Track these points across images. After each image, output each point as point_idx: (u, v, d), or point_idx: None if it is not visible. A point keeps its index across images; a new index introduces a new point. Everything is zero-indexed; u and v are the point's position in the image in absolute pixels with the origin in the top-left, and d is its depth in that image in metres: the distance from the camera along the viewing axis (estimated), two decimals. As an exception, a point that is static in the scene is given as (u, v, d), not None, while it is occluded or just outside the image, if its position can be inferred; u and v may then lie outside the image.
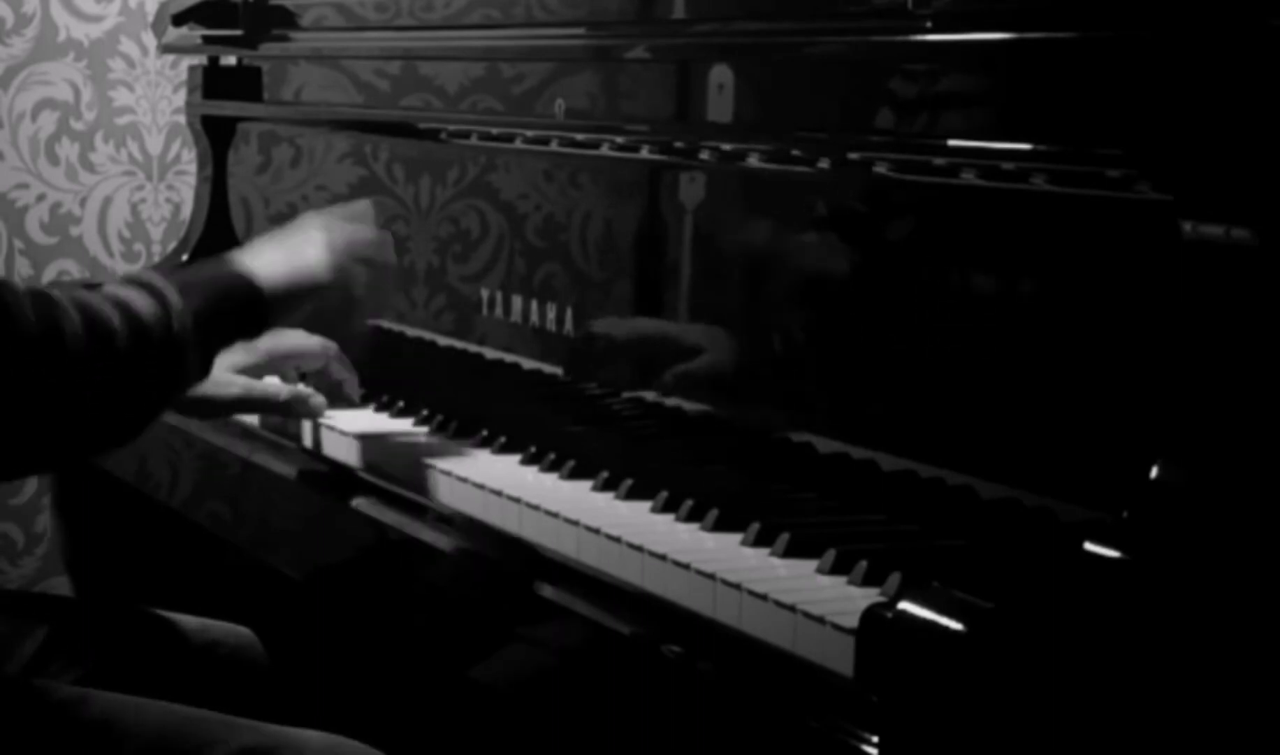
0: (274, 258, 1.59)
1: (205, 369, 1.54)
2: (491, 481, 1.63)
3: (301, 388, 1.87)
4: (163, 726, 1.55)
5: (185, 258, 2.60)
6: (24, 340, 1.35)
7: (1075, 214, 1.34)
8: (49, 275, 2.90)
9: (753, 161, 1.64)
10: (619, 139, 1.79)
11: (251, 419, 2.01)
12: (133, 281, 1.48)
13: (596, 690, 1.49)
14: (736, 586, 1.32)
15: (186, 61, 2.72)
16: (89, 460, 2.16)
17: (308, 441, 1.92)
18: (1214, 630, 1.14)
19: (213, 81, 2.61)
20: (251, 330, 1.59)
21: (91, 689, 1.58)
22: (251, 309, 1.56)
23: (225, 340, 1.56)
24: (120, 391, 1.44)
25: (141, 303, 1.45)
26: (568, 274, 1.91)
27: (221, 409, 1.81)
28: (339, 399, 1.90)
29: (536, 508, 1.56)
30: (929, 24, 1.40)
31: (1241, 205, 1.19)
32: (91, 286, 1.46)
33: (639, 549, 1.43)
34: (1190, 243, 1.21)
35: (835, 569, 1.34)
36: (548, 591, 1.53)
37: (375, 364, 1.88)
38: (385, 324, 2.25)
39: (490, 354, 2.04)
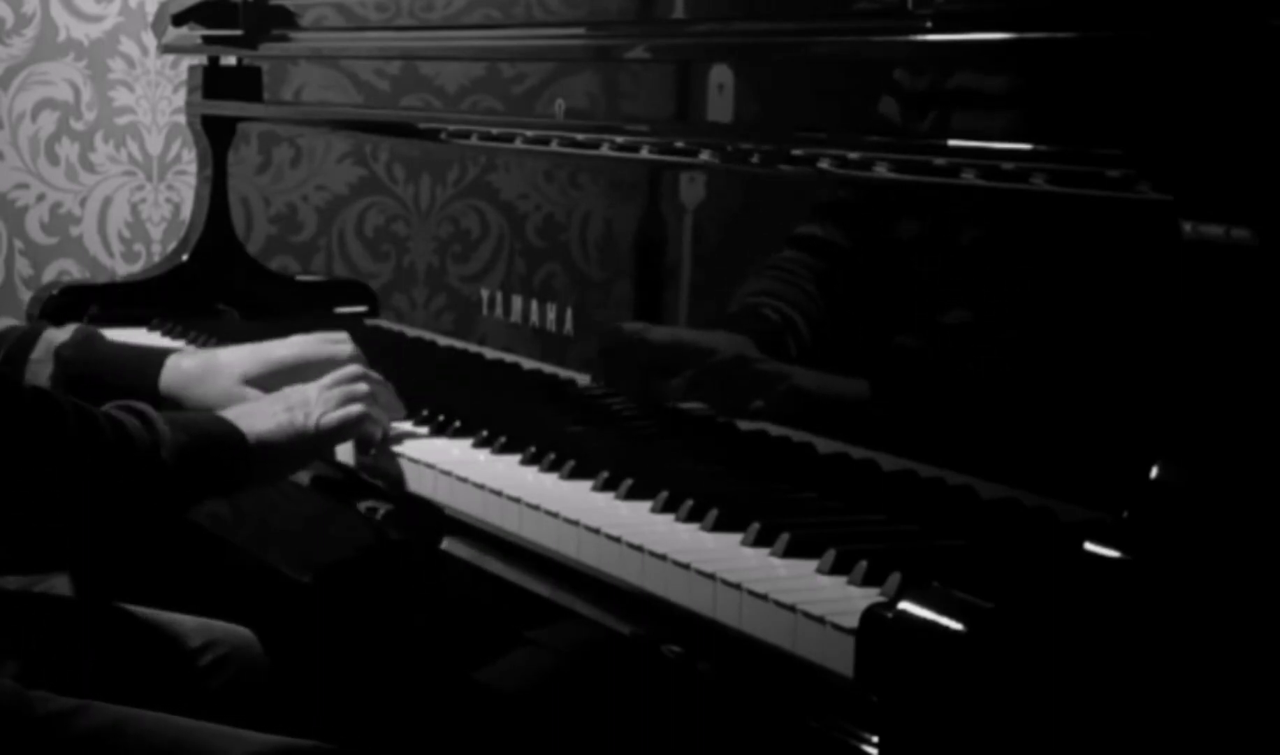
0: (259, 411, 1.70)
1: (184, 499, 1.62)
2: (492, 481, 1.63)
3: None
4: (160, 738, 1.55)
5: (185, 258, 2.60)
6: (23, 407, 1.46)
7: (1075, 214, 1.34)
8: (49, 275, 2.91)
9: (753, 161, 1.64)
10: (619, 139, 1.79)
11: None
12: (124, 408, 1.57)
13: (597, 690, 1.49)
14: (736, 586, 1.32)
15: (186, 61, 2.72)
16: (66, 556, 2.23)
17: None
18: (1213, 630, 1.14)
19: (213, 81, 2.61)
20: (234, 475, 1.67)
21: (89, 700, 1.57)
22: (234, 453, 1.64)
23: (207, 479, 1.64)
24: (101, 486, 1.52)
25: (130, 423, 1.54)
26: (568, 274, 1.91)
27: None
28: None
29: (536, 508, 1.56)
30: (929, 24, 1.40)
31: (1241, 205, 1.19)
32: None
33: (639, 549, 1.43)
34: (1190, 243, 1.21)
35: (835, 569, 1.34)
36: (547, 591, 1.53)
37: (375, 365, 1.88)
38: (385, 324, 2.25)
39: (490, 354, 2.04)
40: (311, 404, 1.72)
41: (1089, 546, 1.13)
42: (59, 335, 1.93)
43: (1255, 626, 1.15)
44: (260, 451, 1.66)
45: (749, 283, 1.67)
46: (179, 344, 2.34)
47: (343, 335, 1.85)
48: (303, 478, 1.91)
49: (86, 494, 1.51)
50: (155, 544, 2.32)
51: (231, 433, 1.64)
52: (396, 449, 1.78)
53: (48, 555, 1.64)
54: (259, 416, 1.68)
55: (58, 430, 1.48)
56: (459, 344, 2.10)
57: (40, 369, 1.88)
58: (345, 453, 1.84)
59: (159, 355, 1.90)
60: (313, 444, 1.72)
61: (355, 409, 1.74)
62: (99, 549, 1.59)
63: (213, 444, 1.62)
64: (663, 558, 1.40)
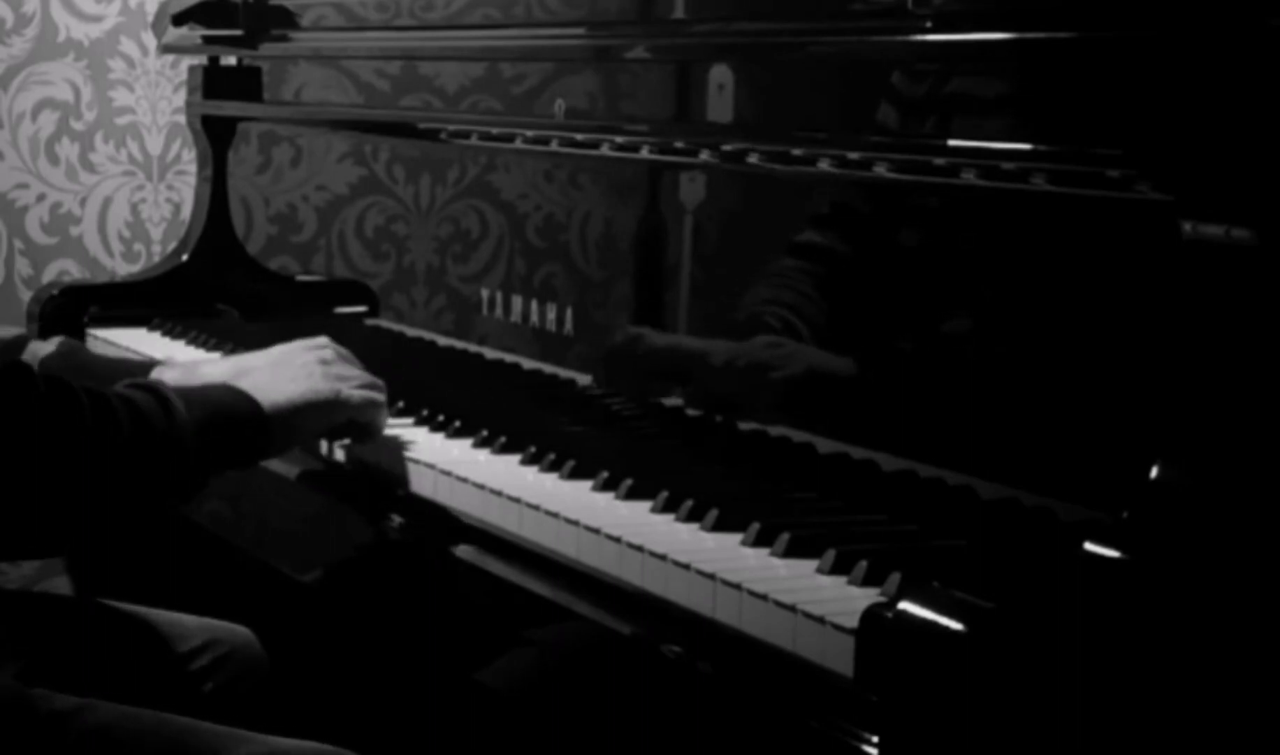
0: (272, 381, 1.68)
1: (203, 477, 1.60)
2: (492, 481, 1.63)
3: None
4: (160, 738, 1.55)
5: (185, 258, 2.60)
6: (38, 401, 1.45)
7: (1075, 214, 1.34)
8: (49, 275, 2.91)
9: (753, 161, 1.64)
10: (619, 139, 1.79)
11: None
12: (140, 386, 1.56)
13: (597, 690, 1.49)
14: (736, 586, 1.32)
15: (186, 61, 2.73)
16: (82, 543, 2.20)
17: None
18: (1213, 630, 1.14)
19: (213, 81, 2.61)
20: (253, 449, 1.66)
21: (90, 699, 1.57)
22: (252, 426, 1.64)
23: (226, 453, 1.63)
24: (120, 472, 1.51)
25: (145, 401, 1.53)
26: (568, 274, 1.91)
27: None
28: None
29: (536, 508, 1.56)
30: (929, 24, 1.40)
31: (1241, 205, 1.19)
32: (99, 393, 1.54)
33: (639, 549, 1.43)
34: (1190, 243, 1.21)
35: (835, 569, 1.34)
36: (547, 591, 1.53)
37: (375, 365, 1.88)
38: (385, 324, 2.25)
39: (490, 354, 2.04)
40: (331, 373, 1.72)
41: (1089, 546, 1.13)
42: (44, 348, 1.94)
43: (1255, 627, 1.15)
44: (278, 421, 1.66)
45: (749, 283, 1.67)
46: (179, 344, 2.34)
47: (323, 340, 1.84)
48: (302, 476, 1.91)
49: (98, 482, 1.50)
50: (155, 543, 2.32)
51: (249, 405, 1.64)
52: (397, 449, 1.78)
53: (49, 546, 1.63)
54: (275, 387, 1.68)
55: (74, 416, 1.47)
56: (459, 344, 2.10)
57: None
58: (344, 451, 1.84)
59: (143, 368, 1.90)
60: (329, 414, 1.72)
61: (379, 395, 1.75)
62: (107, 540, 1.57)
63: (230, 418, 1.62)
64: (663, 558, 1.40)
